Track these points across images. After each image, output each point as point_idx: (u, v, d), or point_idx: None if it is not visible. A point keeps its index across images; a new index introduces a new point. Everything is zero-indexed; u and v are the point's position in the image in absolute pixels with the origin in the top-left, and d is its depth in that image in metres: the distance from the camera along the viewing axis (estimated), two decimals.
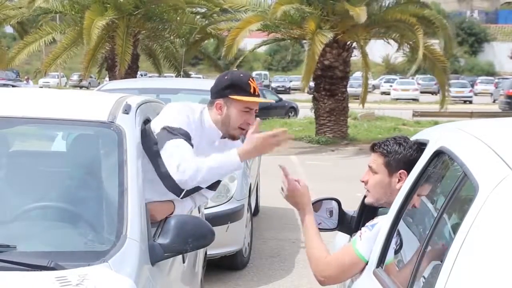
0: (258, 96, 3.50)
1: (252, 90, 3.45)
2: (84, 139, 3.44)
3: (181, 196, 3.52)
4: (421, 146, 2.97)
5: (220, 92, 3.49)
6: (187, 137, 3.34)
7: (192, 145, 3.34)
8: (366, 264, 2.71)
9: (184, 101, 3.76)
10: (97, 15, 18.24)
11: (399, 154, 3.01)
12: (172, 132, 3.32)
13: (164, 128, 3.34)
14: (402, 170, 2.97)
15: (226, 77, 3.52)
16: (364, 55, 18.93)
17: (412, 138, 3.17)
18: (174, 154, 3.28)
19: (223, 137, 3.53)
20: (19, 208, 2.98)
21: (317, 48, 16.71)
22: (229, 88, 3.47)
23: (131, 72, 20.33)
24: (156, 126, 3.40)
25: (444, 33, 18.74)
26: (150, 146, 3.34)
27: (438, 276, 1.94)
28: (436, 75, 19.89)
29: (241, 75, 3.54)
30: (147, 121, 3.51)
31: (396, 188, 2.94)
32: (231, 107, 3.47)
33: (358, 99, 20.26)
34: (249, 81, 3.47)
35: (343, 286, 3.20)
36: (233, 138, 3.53)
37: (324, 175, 13.11)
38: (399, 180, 2.96)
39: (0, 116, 3.28)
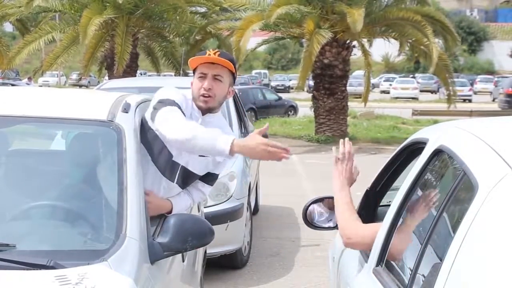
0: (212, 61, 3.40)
1: (206, 55, 3.43)
2: (83, 138, 3.43)
3: (175, 181, 3.50)
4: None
5: None
6: (180, 108, 3.33)
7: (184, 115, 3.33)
8: None
9: None
10: (95, 13, 18.23)
11: None
12: (165, 102, 3.32)
13: (156, 104, 3.34)
14: None
15: None
16: (366, 54, 18.90)
17: (411, 137, 3.16)
18: (169, 118, 3.26)
19: (203, 113, 3.48)
20: (18, 207, 2.98)
21: (314, 49, 16.70)
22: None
23: (131, 71, 20.31)
24: (149, 111, 3.41)
25: (448, 31, 18.76)
26: (145, 136, 3.37)
27: (437, 275, 1.94)
28: (437, 73, 19.87)
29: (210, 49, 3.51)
30: None
31: None
32: (194, 78, 3.47)
33: (357, 97, 20.23)
34: (208, 51, 3.45)
35: (342, 285, 3.20)
36: (200, 109, 3.47)
37: (323, 173, 13.07)
38: None
39: None
